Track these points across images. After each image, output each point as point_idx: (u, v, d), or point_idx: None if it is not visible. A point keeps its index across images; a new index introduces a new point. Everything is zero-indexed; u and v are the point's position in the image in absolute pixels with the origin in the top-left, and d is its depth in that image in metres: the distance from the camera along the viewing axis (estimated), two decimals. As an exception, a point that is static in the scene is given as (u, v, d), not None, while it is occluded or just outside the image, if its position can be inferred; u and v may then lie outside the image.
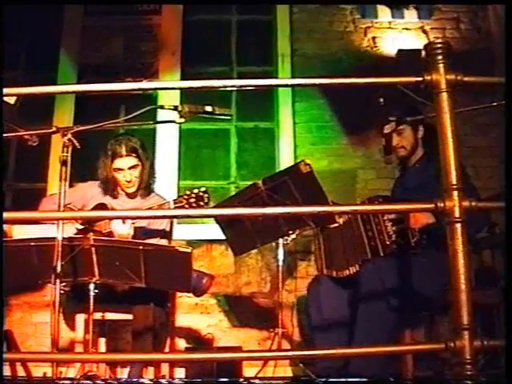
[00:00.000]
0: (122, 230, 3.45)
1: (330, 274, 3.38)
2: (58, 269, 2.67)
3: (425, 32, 5.22)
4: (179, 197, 3.48)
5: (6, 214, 2.09)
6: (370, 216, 3.17)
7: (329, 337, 3.24)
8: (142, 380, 3.24)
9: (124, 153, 3.58)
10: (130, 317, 3.42)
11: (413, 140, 3.42)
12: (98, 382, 2.93)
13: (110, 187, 3.69)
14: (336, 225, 3.37)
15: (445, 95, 2.05)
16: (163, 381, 3.32)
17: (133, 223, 3.49)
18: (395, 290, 3.00)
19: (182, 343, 4.42)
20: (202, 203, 3.40)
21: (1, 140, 2.54)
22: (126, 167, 3.61)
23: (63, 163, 2.75)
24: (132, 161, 3.61)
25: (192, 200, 3.40)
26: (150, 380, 3.29)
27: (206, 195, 3.43)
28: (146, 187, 3.72)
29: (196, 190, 3.43)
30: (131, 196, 3.71)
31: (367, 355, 2.69)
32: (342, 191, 4.78)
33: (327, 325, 3.27)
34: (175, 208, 3.40)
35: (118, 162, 3.60)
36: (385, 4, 5.26)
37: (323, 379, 3.00)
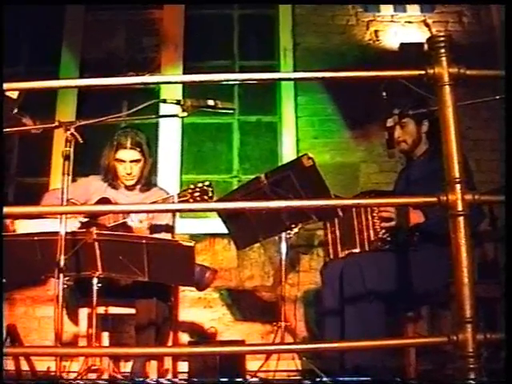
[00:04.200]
0: (141, 225, 3.47)
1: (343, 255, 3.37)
2: (62, 263, 2.69)
3: (427, 25, 5.19)
4: (183, 191, 3.47)
5: (8, 209, 2.09)
6: (361, 211, 3.20)
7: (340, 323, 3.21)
8: (143, 379, 3.25)
9: (128, 145, 3.59)
10: (133, 311, 3.43)
11: (415, 134, 3.39)
12: (100, 382, 2.94)
13: (110, 176, 3.70)
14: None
15: (447, 88, 2.04)
16: (164, 381, 3.33)
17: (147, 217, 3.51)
18: (375, 286, 3.02)
19: (185, 337, 4.43)
20: (206, 197, 3.38)
21: (1, 136, 2.55)
22: (127, 159, 3.62)
23: (66, 158, 2.76)
24: (135, 154, 3.61)
25: (196, 194, 3.39)
26: (153, 380, 3.30)
27: (211, 189, 3.41)
28: (145, 183, 3.72)
29: (200, 184, 3.41)
30: (129, 189, 3.72)
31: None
32: (345, 185, 4.77)
33: (341, 310, 3.23)
34: (179, 202, 3.40)
35: (121, 153, 3.61)
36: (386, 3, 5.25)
37: (326, 374, 3.01)
